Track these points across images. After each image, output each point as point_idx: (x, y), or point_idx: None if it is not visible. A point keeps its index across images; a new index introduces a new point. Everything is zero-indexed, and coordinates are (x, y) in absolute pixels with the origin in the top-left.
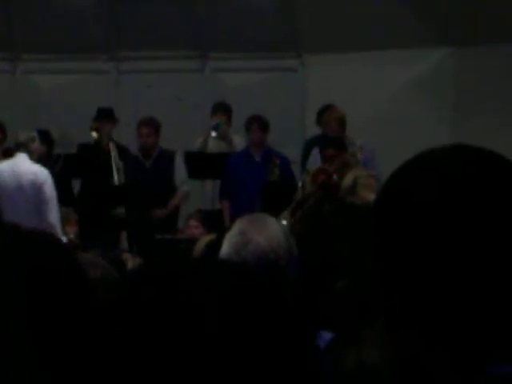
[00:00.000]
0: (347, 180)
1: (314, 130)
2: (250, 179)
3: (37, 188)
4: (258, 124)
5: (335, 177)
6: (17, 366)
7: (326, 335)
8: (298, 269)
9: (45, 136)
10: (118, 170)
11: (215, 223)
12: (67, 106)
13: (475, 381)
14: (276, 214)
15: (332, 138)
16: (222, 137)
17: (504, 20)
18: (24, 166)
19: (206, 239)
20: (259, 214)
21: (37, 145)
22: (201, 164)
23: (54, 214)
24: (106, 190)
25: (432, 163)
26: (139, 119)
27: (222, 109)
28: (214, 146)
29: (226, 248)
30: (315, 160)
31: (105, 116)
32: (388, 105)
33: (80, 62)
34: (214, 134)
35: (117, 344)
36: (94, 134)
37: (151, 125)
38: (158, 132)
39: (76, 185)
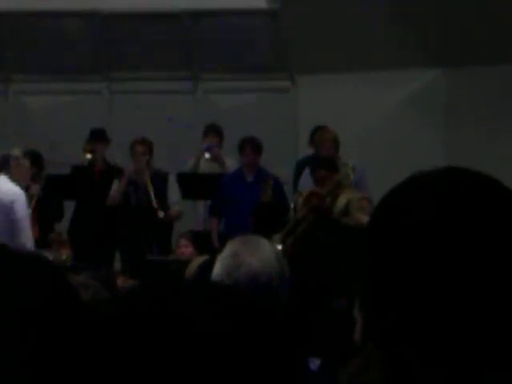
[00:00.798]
0: (340, 202)
1: (306, 151)
2: (242, 199)
3: (8, 207)
4: (251, 146)
5: (328, 200)
6: None
7: (317, 361)
8: (290, 290)
9: (35, 157)
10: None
11: (207, 244)
12: (59, 127)
13: None
14: (268, 234)
15: (323, 159)
16: (215, 158)
17: (496, 42)
18: (2, 188)
19: (198, 260)
20: (251, 235)
21: (22, 162)
22: (194, 185)
23: (25, 234)
24: (102, 211)
25: (425, 184)
26: (132, 140)
27: (214, 130)
28: (206, 167)
29: (218, 269)
30: (306, 180)
31: (98, 137)
32: (380, 125)
33: (72, 82)
34: (207, 155)
35: (108, 364)
36: (89, 156)
37: (145, 144)
38: (152, 151)
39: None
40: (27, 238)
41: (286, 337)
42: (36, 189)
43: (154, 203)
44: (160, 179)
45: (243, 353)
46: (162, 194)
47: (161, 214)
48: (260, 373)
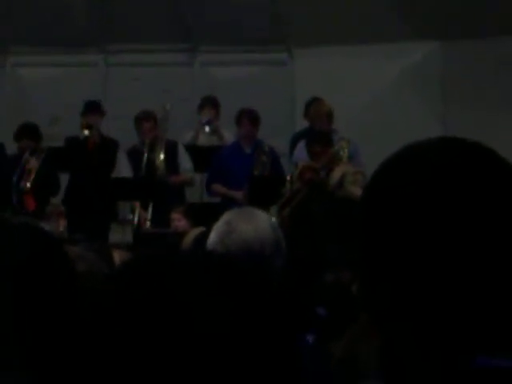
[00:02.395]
0: (335, 176)
1: (302, 123)
2: (240, 171)
3: None
4: (249, 118)
5: (322, 173)
6: (3, 360)
7: (310, 336)
8: (285, 264)
9: (32, 130)
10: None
11: (203, 216)
12: (55, 99)
13: (462, 373)
14: (264, 207)
15: (318, 134)
16: (214, 132)
17: (491, 14)
18: None
19: (195, 232)
20: (247, 207)
21: None
22: (191, 157)
23: None
24: (101, 183)
25: (418, 156)
26: (136, 115)
27: (210, 103)
28: (204, 140)
29: (212, 238)
30: (300, 153)
31: (92, 109)
32: (376, 98)
33: (68, 55)
34: (207, 129)
35: (104, 338)
36: (87, 132)
37: (151, 118)
38: (156, 123)
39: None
40: None
41: (279, 306)
42: (34, 162)
43: (164, 174)
44: (170, 149)
45: (237, 324)
46: (174, 164)
47: (163, 177)
48: (255, 344)
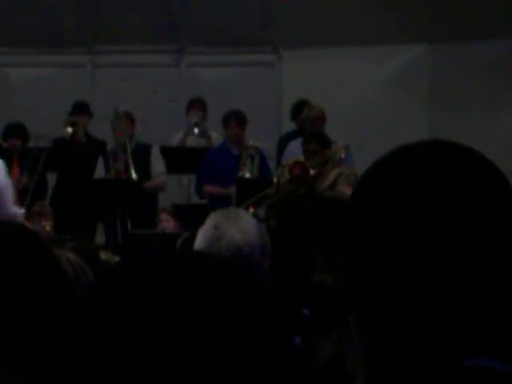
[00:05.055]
0: (330, 177)
1: (290, 125)
2: (227, 172)
3: None
4: (236, 120)
5: (313, 172)
6: None
7: (297, 337)
8: (271, 262)
9: (19, 129)
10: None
11: (191, 218)
12: (42, 99)
13: (449, 372)
14: (250, 208)
15: (318, 134)
16: (203, 133)
17: (479, 17)
18: None
19: (184, 235)
20: (233, 208)
21: None
22: (178, 159)
23: (11, 203)
24: (85, 184)
25: (405, 158)
26: (114, 113)
27: (198, 104)
28: (192, 141)
29: (199, 241)
30: (289, 155)
31: (80, 110)
32: (365, 100)
33: (55, 55)
34: (196, 131)
35: (94, 340)
36: (70, 130)
37: (127, 118)
38: (134, 124)
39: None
40: (15, 207)
41: (269, 305)
42: (25, 182)
43: (134, 176)
44: (142, 151)
45: (232, 326)
46: (145, 166)
47: (134, 177)
48: (250, 346)
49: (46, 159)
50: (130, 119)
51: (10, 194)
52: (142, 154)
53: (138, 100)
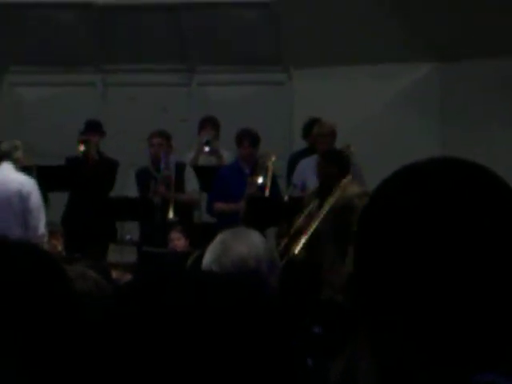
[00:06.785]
0: (346, 195)
1: (300, 144)
2: (238, 191)
3: (24, 198)
4: (249, 139)
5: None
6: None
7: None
8: (280, 283)
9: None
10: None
11: (202, 237)
12: (53, 118)
13: None
14: (261, 227)
15: (336, 154)
16: (214, 152)
17: (490, 35)
18: (10, 176)
19: (195, 254)
20: (241, 227)
21: (20, 153)
22: None
23: (42, 224)
24: (99, 202)
25: (417, 175)
26: (150, 133)
27: (211, 123)
28: (203, 160)
29: (207, 258)
30: (300, 173)
31: (93, 128)
32: (374, 119)
33: (66, 74)
34: (207, 149)
35: (106, 357)
36: (82, 148)
37: (162, 136)
38: (170, 143)
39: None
40: (43, 227)
41: (277, 320)
42: None
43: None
44: (176, 169)
45: (239, 341)
46: (180, 184)
47: (170, 215)
48: (256, 361)
49: (58, 178)
50: (166, 138)
51: (43, 218)
52: (176, 172)
53: (148, 119)
